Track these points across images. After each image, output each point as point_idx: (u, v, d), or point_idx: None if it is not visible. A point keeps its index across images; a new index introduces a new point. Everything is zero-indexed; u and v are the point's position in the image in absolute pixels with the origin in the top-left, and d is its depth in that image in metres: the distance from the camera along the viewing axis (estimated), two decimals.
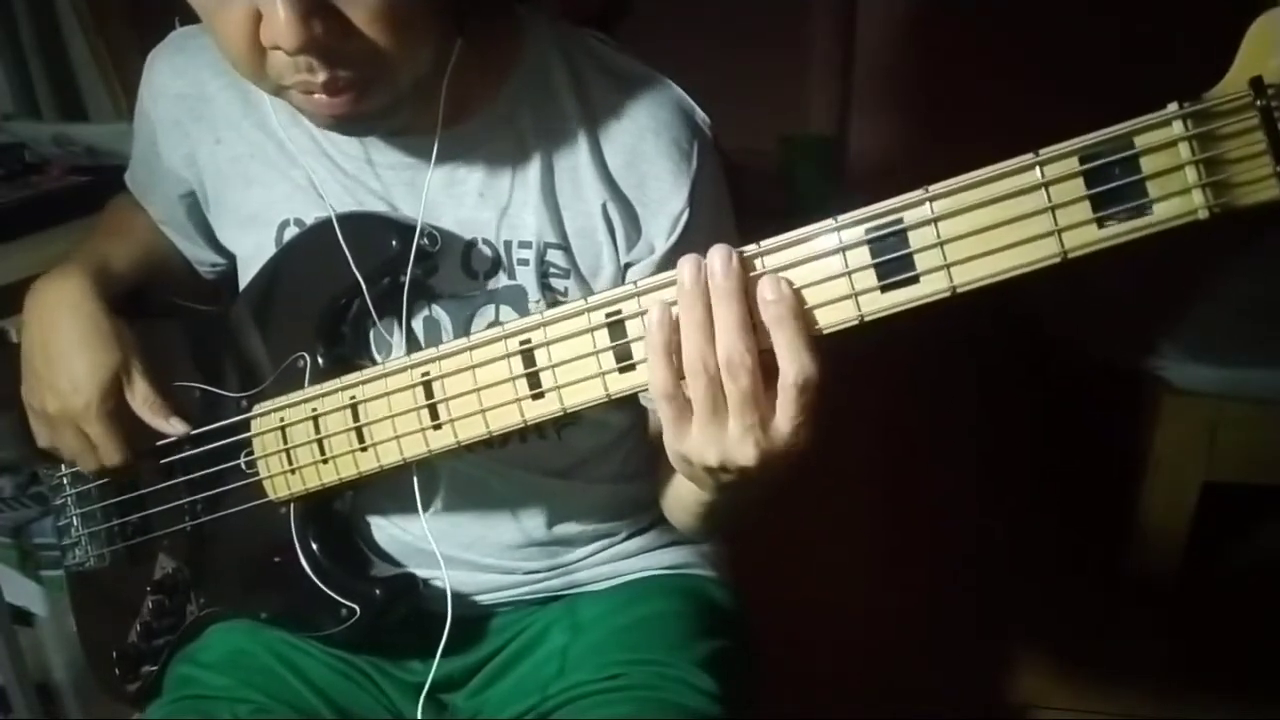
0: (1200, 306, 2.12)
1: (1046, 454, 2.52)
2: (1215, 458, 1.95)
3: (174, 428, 0.95)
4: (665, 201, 0.90)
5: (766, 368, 0.67)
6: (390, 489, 0.95)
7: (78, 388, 0.92)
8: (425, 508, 0.92)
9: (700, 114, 0.93)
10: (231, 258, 1.02)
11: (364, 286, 0.87)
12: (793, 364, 0.65)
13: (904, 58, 3.13)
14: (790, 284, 0.66)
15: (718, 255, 0.67)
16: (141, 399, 0.94)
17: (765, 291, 0.66)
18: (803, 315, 0.66)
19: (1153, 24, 2.67)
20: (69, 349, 0.93)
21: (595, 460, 1.00)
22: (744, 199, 1.00)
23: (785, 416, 0.67)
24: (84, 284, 0.95)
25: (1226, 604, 2.04)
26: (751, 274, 0.67)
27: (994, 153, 0.61)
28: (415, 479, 0.89)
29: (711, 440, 0.68)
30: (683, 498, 0.90)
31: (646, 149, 0.90)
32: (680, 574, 1.05)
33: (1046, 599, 2.08)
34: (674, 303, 0.68)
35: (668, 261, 0.90)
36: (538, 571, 1.01)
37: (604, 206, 0.90)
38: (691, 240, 0.90)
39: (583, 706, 0.92)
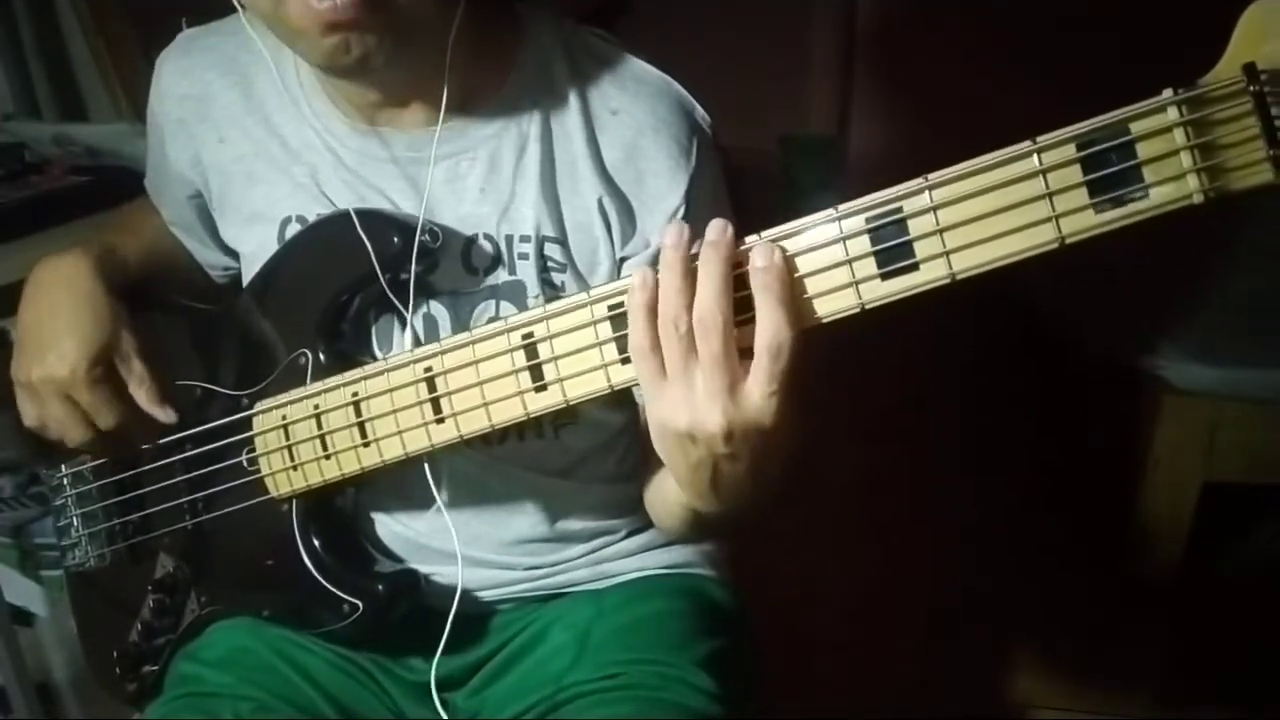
0: (1200, 306, 2.11)
1: (1046, 453, 2.52)
2: (1215, 458, 1.95)
3: (166, 415, 0.95)
4: (662, 198, 0.91)
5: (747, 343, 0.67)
6: (394, 485, 0.95)
7: (63, 356, 0.92)
8: (428, 504, 0.93)
9: (700, 111, 0.94)
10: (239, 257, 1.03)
11: (381, 279, 0.87)
12: (768, 326, 0.65)
13: (904, 58, 3.13)
14: (783, 251, 0.66)
15: (715, 223, 0.68)
16: (138, 379, 0.94)
17: (756, 259, 0.66)
18: (789, 285, 0.66)
19: (1152, 23, 2.67)
20: (60, 322, 0.93)
21: (592, 459, 1.00)
22: (744, 199, 1.00)
23: (757, 382, 0.67)
24: (86, 264, 0.95)
25: (1226, 604, 2.04)
26: (743, 246, 0.68)
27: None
28: (429, 473, 0.89)
29: (681, 400, 0.68)
30: (667, 498, 0.90)
31: (645, 145, 0.90)
32: (680, 573, 1.06)
33: (1046, 599, 2.08)
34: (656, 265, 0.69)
35: None
36: (538, 568, 1.01)
37: (600, 201, 0.90)
38: None
39: (582, 706, 0.93)
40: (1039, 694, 1.88)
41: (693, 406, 0.68)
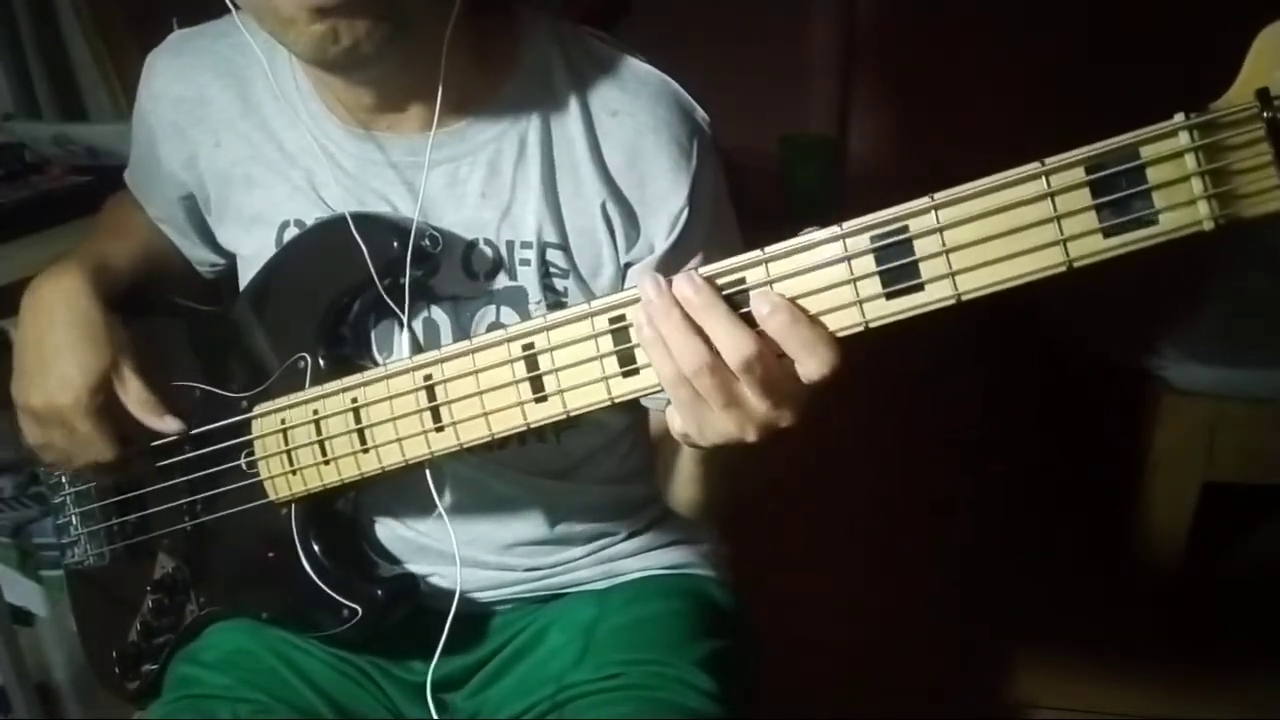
0: (1200, 306, 2.12)
1: (1046, 454, 2.52)
2: (1215, 458, 1.95)
3: (168, 425, 0.95)
4: (665, 200, 0.90)
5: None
6: (394, 487, 0.94)
7: (66, 384, 0.92)
8: (428, 507, 0.92)
9: (700, 111, 0.93)
10: (230, 257, 1.02)
11: (379, 284, 0.87)
12: (811, 360, 0.65)
13: (904, 58, 3.13)
14: (780, 295, 0.66)
15: (682, 280, 0.67)
16: (135, 397, 0.94)
17: (760, 307, 0.65)
18: (804, 315, 0.65)
19: (1153, 27, 2.67)
20: (61, 346, 0.92)
21: (593, 461, 1.00)
22: (744, 199, 1.00)
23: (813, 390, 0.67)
24: (80, 281, 0.94)
25: (1226, 604, 2.04)
26: (731, 291, 0.67)
27: (994, 152, 0.61)
28: (430, 477, 0.88)
29: (745, 419, 0.68)
30: (686, 467, 0.89)
31: (646, 147, 0.90)
32: (680, 574, 1.06)
33: (1046, 599, 2.09)
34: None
35: (667, 260, 0.90)
36: (538, 570, 1.01)
37: (603, 205, 0.90)
38: (691, 239, 0.90)
39: (582, 706, 0.93)
40: (1039, 694, 1.88)
41: (757, 418, 0.68)
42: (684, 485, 0.92)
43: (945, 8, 2.96)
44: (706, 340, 0.66)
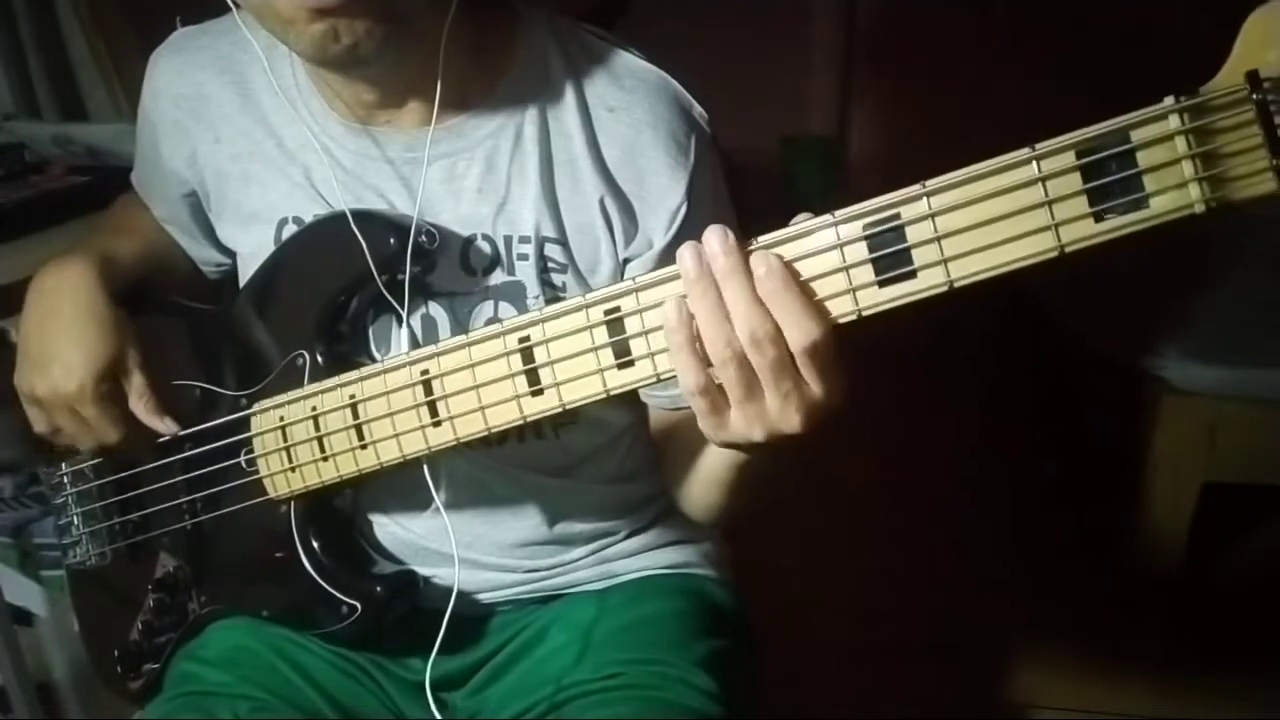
0: (1200, 306, 2.12)
1: (1047, 453, 2.52)
2: (1215, 458, 1.95)
3: (166, 426, 0.95)
4: (663, 196, 0.90)
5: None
6: (393, 486, 0.95)
7: (71, 371, 0.92)
8: (427, 506, 0.92)
9: (698, 108, 0.93)
10: (235, 257, 1.02)
11: (379, 280, 0.87)
12: (795, 330, 0.65)
13: (905, 57, 3.14)
14: (779, 257, 0.66)
15: (714, 235, 0.67)
16: (137, 394, 0.94)
17: (756, 267, 0.66)
18: (796, 285, 0.66)
19: (1152, 23, 2.67)
20: (67, 334, 0.93)
21: (593, 460, 1.00)
22: (744, 199, 1.00)
23: (811, 379, 0.67)
24: (88, 273, 0.95)
25: (1226, 604, 2.04)
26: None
27: (995, 153, 0.61)
28: (427, 474, 0.89)
29: (754, 418, 0.68)
30: (711, 470, 0.90)
31: (644, 143, 0.90)
32: (680, 574, 1.05)
33: (1047, 598, 2.08)
34: (684, 295, 0.68)
35: (666, 257, 0.90)
36: (538, 570, 1.01)
37: (601, 201, 0.90)
38: (690, 235, 0.90)
39: (582, 706, 0.92)
40: (1039, 693, 1.88)
41: (767, 420, 0.68)
42: (707, 487, 0.93)
43: (946, 8, 2.96)
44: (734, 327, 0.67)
